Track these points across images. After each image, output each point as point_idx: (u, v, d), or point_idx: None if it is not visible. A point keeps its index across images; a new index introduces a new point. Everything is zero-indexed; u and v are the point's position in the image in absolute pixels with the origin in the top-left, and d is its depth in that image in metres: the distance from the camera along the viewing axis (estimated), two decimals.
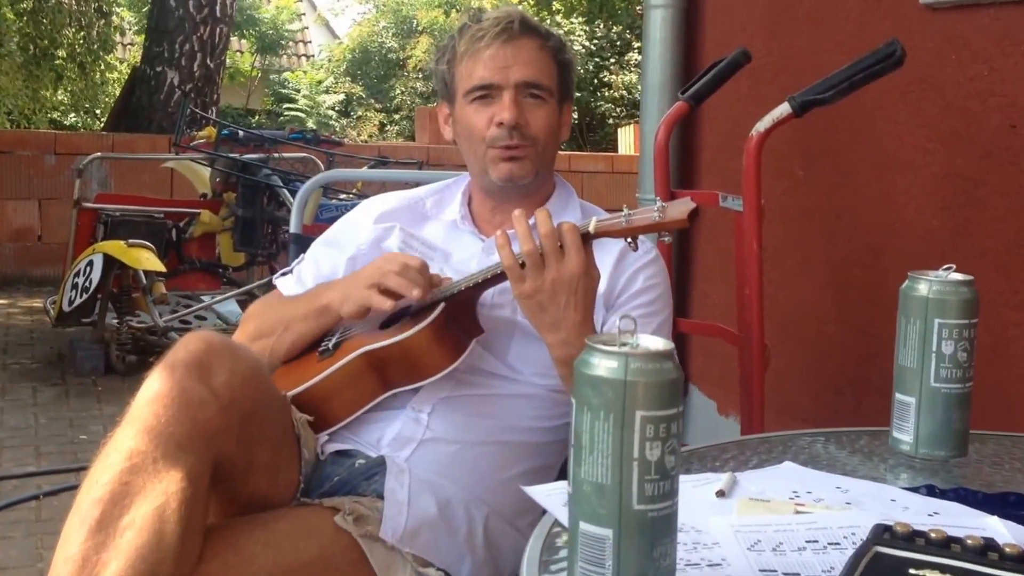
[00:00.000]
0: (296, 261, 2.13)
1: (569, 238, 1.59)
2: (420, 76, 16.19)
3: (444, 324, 1.74)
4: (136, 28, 14.24)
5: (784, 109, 2.37)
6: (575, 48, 14.74)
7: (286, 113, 16.54)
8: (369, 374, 1.79)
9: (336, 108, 17.11)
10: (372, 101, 16.91)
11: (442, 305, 1.75)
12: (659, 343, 0.91)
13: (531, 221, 1.62)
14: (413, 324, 1.74)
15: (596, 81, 15.04)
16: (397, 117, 16.51)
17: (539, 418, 1.87)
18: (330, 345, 1.87)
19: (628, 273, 1.90)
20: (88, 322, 5.64)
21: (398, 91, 16.38)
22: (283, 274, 2.13)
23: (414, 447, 1.79)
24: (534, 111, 1.88)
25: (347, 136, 15.77)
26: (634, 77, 15.33)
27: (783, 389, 2.96)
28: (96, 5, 10.91)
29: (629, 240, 1.58)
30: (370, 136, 16.02)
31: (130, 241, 5.28)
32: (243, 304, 6.14)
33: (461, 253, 1.95)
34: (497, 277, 1.70)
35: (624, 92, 15.25)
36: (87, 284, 5.33)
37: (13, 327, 6.58)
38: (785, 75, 3.02)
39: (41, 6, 10.44)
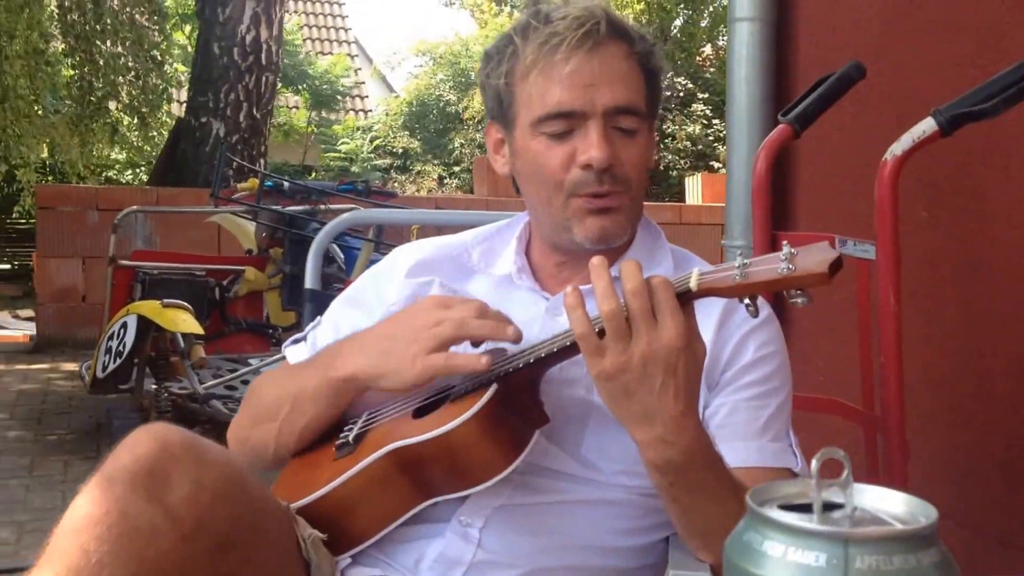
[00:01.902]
0: (311, 325, 1.72)
1: (663, 297, 1.16)
2: (480, 128, 15.95)
3: (498, 412, 1.32)
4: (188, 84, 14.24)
5: (928, 126, 1.91)
6: None
7: (331, 164, 16.36)
8: (402, 478, 1.38)
9: (394, 164, 16.91)
10: (430, 155, 16.68)
11: (494, 387, 1.33)
12: (901, 504, 0.47)
13: (613, 273, 1.19)
14: (457, 412, 1.33)
15: (659, 133, 14.67)
16: (457, 170, 16.24)
17: (625, 533, 1.44)
18: (351, 437, 1.46)
19: (735, 339, 1.47)
20: (126, 389, 5.29)
21: (457, 144, 16.12)
22: (295, 341, 1.72)
23: (463, 572, 1.39)
24: (627, 146, 1.45)
25: (404, 191, 15.52)
26: (698, 127, 14.99)
27: (909, 473, 2.49)
28: (150, 54, 10.77)
29: (747, 302, 1.16)
30: (429, 190, 15.77)
31: (165, 301, 4.95)
32: None
33: (520, 315, 1.49)
34: (567, 350, 1.29)
35: (688, 143, 14.88)
36: (120, 348, 5.01)
37: (51, 394, 6.28)
38: (898, 97, 2.58)
39: (94, 58, 10.32)
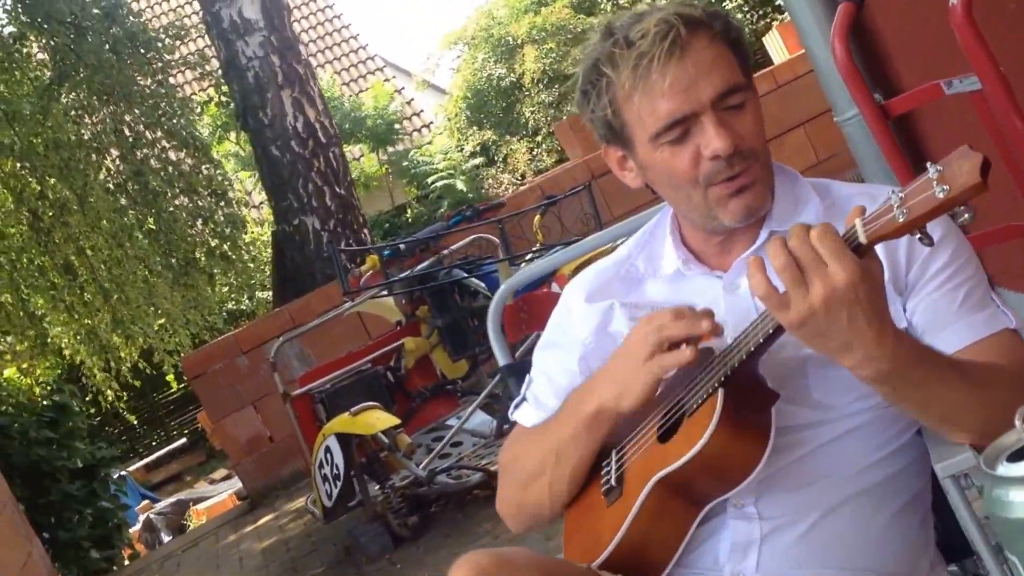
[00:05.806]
0: (525, 386, 1.93)
1: (826, 243, 1.34)
2: (541, 87, 15.96)
3: (735, 411, 1.52)
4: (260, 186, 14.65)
5: None
6: None
7: (434, 188, 16.63)
8: (675, 500, 1.60)
9: (479, 162, 17.14)
10: (507, 136, 16.80)
11: (722, 392, 1.53)
12: None
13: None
14: (700, 425, 1.53)
15: None
16: (539, 139, 16.35)
17: (880, 447, 1.64)
18: (612, 480, 1.68)
19: (905, 238, 1.54)
20: (355, 504, 5.64)
21: (527, 113, 16.22)
22: (516, 405, 1.93)
23: (758, 550, 1.60)
24: (741, 121, 1.60)
25: (500, 184, 15.72)
26: None
27: None
28: (209, 191, 11.21)
29: (919, 235, 1.32)
30: (523, 172, 15.95)
31: (353, 409, 5.27)
32: (489, 410, 6.06)
33: (701, 302, 1.65)
34: (770, 337, 1.48)
35: None
36: (335, 472, 5.34)
37: (291, 539, 6.68)
38: None
39: (161, 216, 10.82)
